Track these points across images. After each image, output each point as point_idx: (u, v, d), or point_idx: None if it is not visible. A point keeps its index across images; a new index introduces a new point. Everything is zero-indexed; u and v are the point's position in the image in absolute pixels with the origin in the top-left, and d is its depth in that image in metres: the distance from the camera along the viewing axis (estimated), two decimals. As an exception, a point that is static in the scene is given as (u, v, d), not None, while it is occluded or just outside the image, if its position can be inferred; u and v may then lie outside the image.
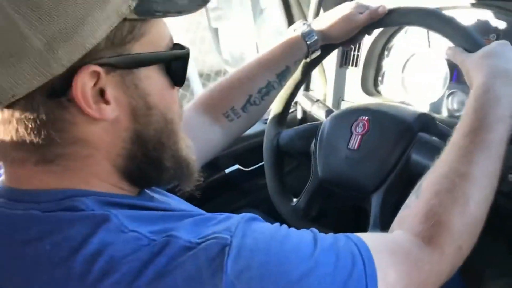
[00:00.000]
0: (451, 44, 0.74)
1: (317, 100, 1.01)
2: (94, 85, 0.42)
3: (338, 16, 0.80)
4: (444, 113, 0.99)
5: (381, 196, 0.76)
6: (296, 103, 1.15)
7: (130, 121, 0.46)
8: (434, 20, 0.76)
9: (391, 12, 0.80)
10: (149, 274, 0.40)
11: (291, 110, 1.19)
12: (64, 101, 0.42)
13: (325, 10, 1.07)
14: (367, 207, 0.78)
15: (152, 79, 0.46)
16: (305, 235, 0.47)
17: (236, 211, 1.09)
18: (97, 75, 0.42)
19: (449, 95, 0.98)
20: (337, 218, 0.92)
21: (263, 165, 0.95)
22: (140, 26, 0.44)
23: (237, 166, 1.14)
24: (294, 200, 0.88)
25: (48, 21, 0.39)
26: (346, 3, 0.84)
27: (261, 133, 1.07)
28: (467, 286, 1.19)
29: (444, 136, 0.80)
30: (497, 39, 0.90)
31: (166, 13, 0.45)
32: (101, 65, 0.42)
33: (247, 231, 0.44)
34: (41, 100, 0.41)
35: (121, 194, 0.48)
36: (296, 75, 0.89)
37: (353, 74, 1.10)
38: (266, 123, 1.12)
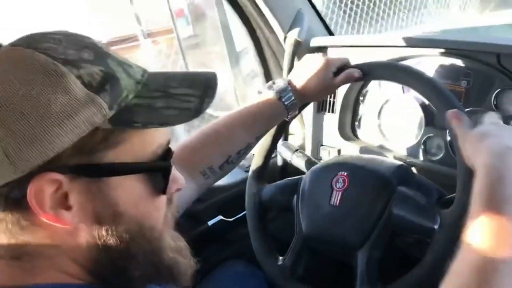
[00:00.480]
0: None
1: (296, 150, 1.02)
2: (57, 189, 0.41)
3: (313, 78, 0.81)
4: (422, 158, 1.00)
5: (367, 252, 0.77)
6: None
7: (95, 228, 0.44)
8: (420, 85, 0.76)
9: (372, 68, 0.81)
10: None
11: (273, 156, 1.19)
12: (24, 202, 0.41)
13: (299, 59, 1.08)
14: (353, 264, 0.79)
15: (125, 188, 0.44)
16: None
17: (222, 262, 1.09)
18: (58, 182, 0.41)
19: (425, 139, 1.00)
20: (325, 275, 0.91)
21: (246, 213, 0.95)
22: (118, 134, 0.43)
23: (220, 217, 1.13)
24: (280, 258, 0.88)
25: (6, 132, 0.39)
26: (315, 56, 0.85)
27: (242, 182, 1.07)
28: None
29: (422, 187, 0.81)
30: (467, 84, 0.93)
31: (146, 124, 0.43)
32: (64, 172, 0.41)
33: None
34: (3, 200, 0.41)
35: None
36: (275, 130, 0.90)
37: (331, 119, 1.12)
38: (246, 171, 1.12)
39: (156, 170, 0.46)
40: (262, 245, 0.90)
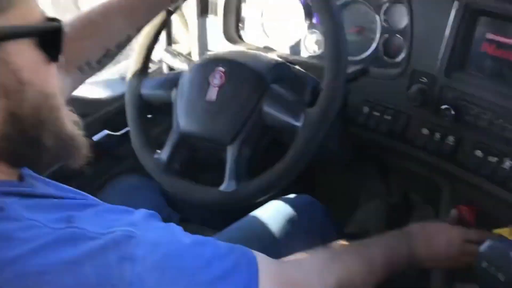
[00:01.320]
0: None
1: (179, 54, 0.98)
2: None
3: None
4: (304, 54, 1.01)
5: (236, 148, 0.77)
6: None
7: (3, 101, 0.43)
8: None
9: None
10: (55, 259, 0.40)
11: (157, 67, 1.15)
12: None
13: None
14: (225, 159, 0.79)
15: (24, 54, 0.44)
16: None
17: (115, 177, 1.06)
18: None
19: (306, 36, 1.00)
20: (200, 170, 0.91)
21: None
22: None
23: (106, 132, 1.08)
24: (158, 152, 0.87)
25: None
26: None
27: (127, 94, 1.02)
28: (346, 211, 1.28)
29: (297, 84, 0.82)
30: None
31: None
32: None
33: (149, 226, 0.48)
34: None
35: (6, 181, 0.46)
36: (155, 23, 0.86)
37: (215, 22, 1.08)
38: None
39: (50, 32, 0.46)
40: (140, 139, 0.87)
